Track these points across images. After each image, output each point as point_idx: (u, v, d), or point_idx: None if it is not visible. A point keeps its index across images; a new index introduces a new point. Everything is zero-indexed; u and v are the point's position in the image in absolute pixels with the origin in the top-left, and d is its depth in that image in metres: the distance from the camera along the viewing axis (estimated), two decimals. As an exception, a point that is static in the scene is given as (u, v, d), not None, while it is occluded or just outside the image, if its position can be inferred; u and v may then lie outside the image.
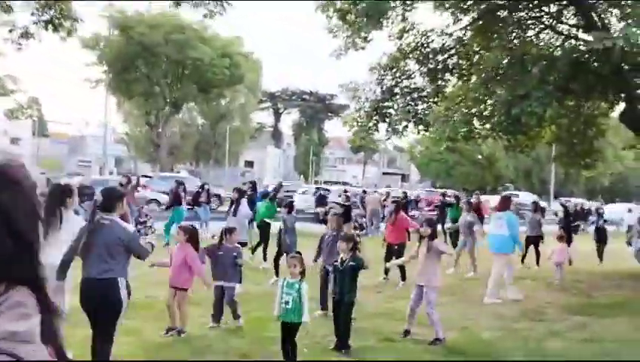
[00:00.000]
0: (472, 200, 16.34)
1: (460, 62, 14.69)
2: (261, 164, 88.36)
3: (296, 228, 11.49)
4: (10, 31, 13.06)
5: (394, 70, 14.65)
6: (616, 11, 13.34)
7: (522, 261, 14.46)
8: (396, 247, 11.68)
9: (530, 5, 13.95)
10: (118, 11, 43.41)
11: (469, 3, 13.37)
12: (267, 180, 45.47)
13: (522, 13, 14.14)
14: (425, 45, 14.58)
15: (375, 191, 29.01)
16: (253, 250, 13.42)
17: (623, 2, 12.73)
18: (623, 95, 14.26)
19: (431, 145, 64.02)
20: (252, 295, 9.32)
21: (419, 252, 7.88)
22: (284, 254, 11.20)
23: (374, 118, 14.51)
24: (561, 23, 14.59)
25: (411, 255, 8.24)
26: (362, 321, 8.11)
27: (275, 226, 12.42)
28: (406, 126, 14.26)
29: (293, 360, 6.32)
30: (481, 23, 13.67)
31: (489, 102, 13.28)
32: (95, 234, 5.19)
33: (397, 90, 14.57)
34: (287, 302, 6.27)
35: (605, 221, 20.53)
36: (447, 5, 13.58)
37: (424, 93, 14.55)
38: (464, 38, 14.49)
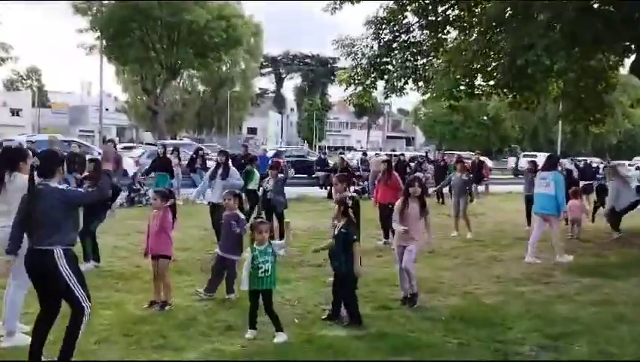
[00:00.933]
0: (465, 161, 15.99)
1: (461, 13, 13.90)
2: (264, 131, 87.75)
3: (300, 193, 10.95)
4: None
5: (392, 24, 13.88)
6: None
7: (529, 223, 14.13)
8: (390, 206, 11.28)
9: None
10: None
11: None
12: (270, 146, 44.83)
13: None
14: (424, -4, 13.78)
15: (377, 154, 28.62)
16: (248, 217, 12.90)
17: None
18: (634, 46, 13.58)
19: (434, 107, 63.35)
20: (241, 263, 8.82)
21: (405, 213, 7.37)
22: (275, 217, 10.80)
23: (372, 75, 13.83)
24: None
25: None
26: (359, 287, 7.60)
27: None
28: (405, 82, 13.58)
29: (279, 328, 5.94)
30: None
31: (492, 55, 12.57)
32: (33, 202, 4.74)
33: (395, 44, 13.82)
34: (265, 271, 5.91)
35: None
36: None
37: (424, 48, 13.83)
38: (465, -12, 13.68)
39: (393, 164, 19.16)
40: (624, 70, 16.35)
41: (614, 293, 8.11)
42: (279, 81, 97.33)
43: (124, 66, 50.22)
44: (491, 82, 14.54)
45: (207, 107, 66.63)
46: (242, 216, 7.64)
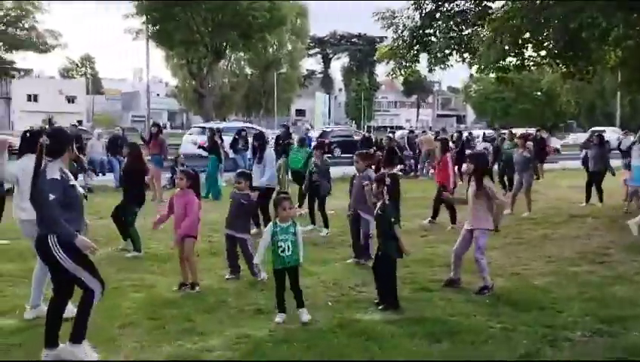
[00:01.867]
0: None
1: (509, -23, 13.11)
2: (312, 112, 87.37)
3: (346, 172, 10.65)
4: None
5: (434, -8, 13.23)
6: None
7: (587, 200, 13.71)
8: (441, 188, 10.88)
9: None
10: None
11: None
12: (317, 127, 44.46)
13: None
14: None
15: (424, 132, 28.08)
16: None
17: None
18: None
19: (485, 83, 61.59)
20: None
21: (467, 193, 6.97)
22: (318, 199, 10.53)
23: (414, 47, 13.22)
24: None
25: (459, 199, 7.31)
26: (397, 269, 7.21)
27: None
28: (450, 53, 12.94)
29: (300, 303, 5.76)
30: None
31: (542, 22, 11.77)
32: (37, 183, 4.62)
33: (438, 14, 13.15)
34: (284, 249, 5.64)
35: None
36: None
37: (468, 17, 13.10)
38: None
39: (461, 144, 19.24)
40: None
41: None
42: (326, 62, 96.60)
43: (170, 51, 50.57)
44: (542, 52, 13.74)
45: (255, 89, 66.70)
46: (252, 195, 7.60)
